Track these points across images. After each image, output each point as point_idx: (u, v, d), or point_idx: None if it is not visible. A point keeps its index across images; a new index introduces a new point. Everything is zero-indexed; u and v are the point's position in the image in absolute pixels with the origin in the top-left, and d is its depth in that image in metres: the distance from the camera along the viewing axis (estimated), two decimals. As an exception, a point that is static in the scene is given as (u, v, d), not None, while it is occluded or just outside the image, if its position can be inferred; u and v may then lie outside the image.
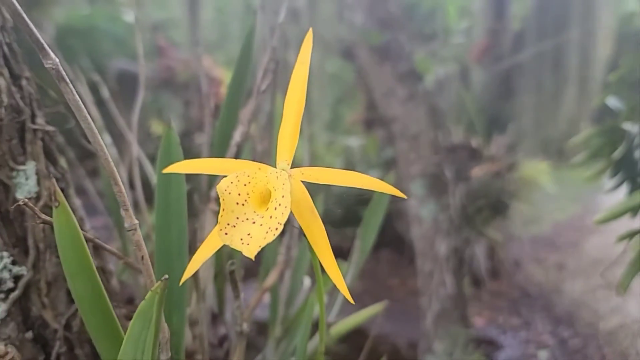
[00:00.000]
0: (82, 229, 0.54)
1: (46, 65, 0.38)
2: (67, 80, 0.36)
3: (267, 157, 1.26)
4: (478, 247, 6.59)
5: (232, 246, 0.29)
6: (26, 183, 0.44)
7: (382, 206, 0.77)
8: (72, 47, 10.80)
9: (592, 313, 5.28)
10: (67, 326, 0.50)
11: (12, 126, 0.43)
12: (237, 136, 0.84)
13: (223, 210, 0.31)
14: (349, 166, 7.49)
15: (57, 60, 0.37)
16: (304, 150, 1.36)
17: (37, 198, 0.45)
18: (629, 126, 1.40)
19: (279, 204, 0.31)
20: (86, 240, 0.52)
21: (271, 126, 1.27)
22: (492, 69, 5.55)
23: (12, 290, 0.46)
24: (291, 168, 0.42)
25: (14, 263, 0.45)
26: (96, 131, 0.38)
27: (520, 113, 5.51)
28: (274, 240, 0.35)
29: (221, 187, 0.32)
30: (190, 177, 0.57)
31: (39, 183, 0.45)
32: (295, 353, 0.56)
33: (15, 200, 0.44)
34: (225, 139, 0.80)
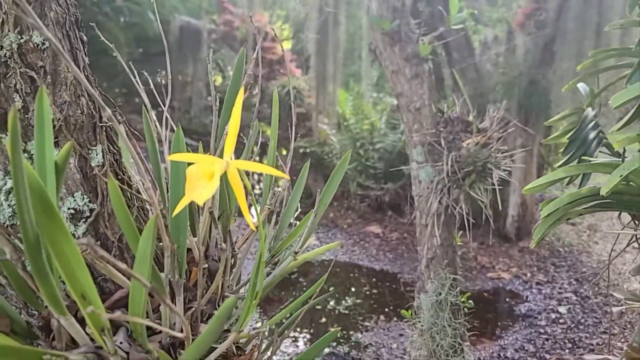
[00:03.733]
0: (129, 184, 0.90)
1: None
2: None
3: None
4: (511, 207, 6.71)
5: (192, 199, 0.61)
6: (96, 157, 0.78)
7: (342, 169, 1.08)
8: (139, 2, 11.18)
9: (617, 274, 5.42)
10: (120, 240, 0.85)
11: (89, 125, 0.77)
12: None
13: (189, 181, 0.63)
14: (389, 124, 7.65)
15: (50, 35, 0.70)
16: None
17: (102, 165, 0.79)
18: (588, 110, 1.63)
19: (214, 179, 0.63)
20: (129, 186, 0.88)
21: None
22: (535, 34, 5.59)
23: (88, 217, 0.80)
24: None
25: (90, 202, 0.79)
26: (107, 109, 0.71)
27: (560, 79, 5.55)
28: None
29: (189, 169, 0.64)
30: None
31: (103, 157, 0.79)
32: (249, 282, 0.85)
33: (91, 167, 0.78)
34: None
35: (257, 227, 0.78)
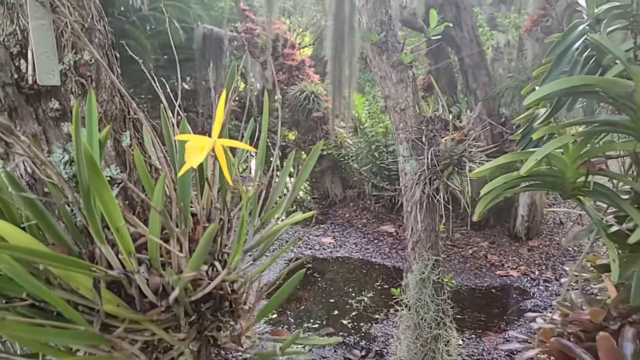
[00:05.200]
0: (149, 161, 1.20)
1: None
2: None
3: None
4: (521, 208, 6.90)
5: (190, 164, 0.90)
6: (126, 140, 1.09)
7: (314, 157, 1.37)
8: (164, 11, 11.59)
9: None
10: (142, 201, 1.15)
11: (121, 116, 1.07)
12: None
13: (187, 152, 0.93)
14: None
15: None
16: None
17: (130, 146, 1.10)
18: (540, 110, 1.89)
19: (204, 151, 0.92)
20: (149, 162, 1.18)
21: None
22: (541, 40, 5.80)
23: (120, 183, 1.11)
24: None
25: (121, 172, 1.09)
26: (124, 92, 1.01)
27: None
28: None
29: (187, 144, 0.93)
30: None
31: (131, 140, 1.10)
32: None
33: (122, 147, 1.09)
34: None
35: (237, 188, 1.07)
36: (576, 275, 1.83)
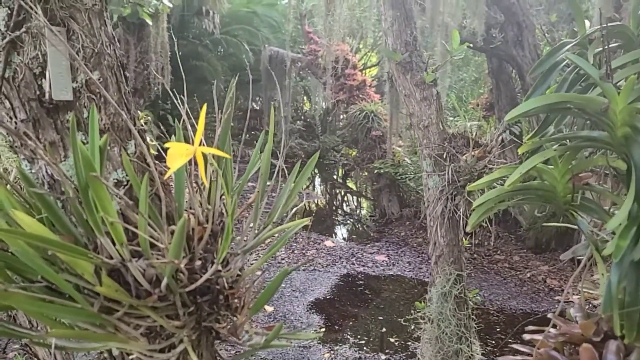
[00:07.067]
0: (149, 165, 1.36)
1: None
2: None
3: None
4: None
5: (171, 168, 1.04)
6: (131, 147, 1.25)
7: (312, 164, 1.49)
8: (235, 34, 12.07)
9: None
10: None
11: (126, 127, 1.24)
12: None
13: (169, 157, 1.07)
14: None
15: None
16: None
17: (134, 153, 1.26)
18: (550, 128, 1.91)
19: (185, 157, 1.07)
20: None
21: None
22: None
23: (125, 185, 1.27)
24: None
25: (127, 175, 1.26)
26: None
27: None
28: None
29: (169, 151, 1.08)
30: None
31: (135, 148, 1.26)
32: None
33: (127, 154, 1.25)
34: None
35: (205, 184, 1.20)
36: (579, 292, 1.83)
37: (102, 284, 1.10)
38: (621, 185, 1.50)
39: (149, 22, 7.24)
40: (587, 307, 1.77)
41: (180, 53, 10.68)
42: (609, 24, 1.44)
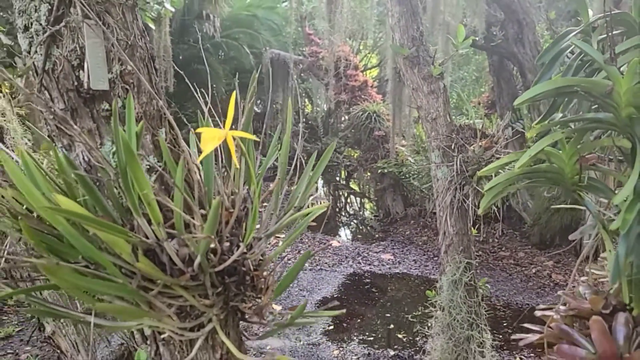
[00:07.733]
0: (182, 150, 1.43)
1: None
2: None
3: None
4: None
5: (205, 151, 1.11)
6: (162, 135, 1.32)
7: (327, 156, 1.56)
8: (236, 37, 12.10)
9: None
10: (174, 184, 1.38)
11: (158, 116, 1.31)
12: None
13: (202, 141, 1.14)
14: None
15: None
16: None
17: (166, 139, 1.33)
18: (557, 114, 1.98)
19: (217, 140, 1.13)
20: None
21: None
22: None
23: (157, 170, 1.34)
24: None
25: (158, 161, 1.33)
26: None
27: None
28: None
29: (202, 135, 1.15)
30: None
31: (166, 135, 1.33)
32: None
33: (158, 141, 1.32)
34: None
35: (238, 166, 1.27)
36: (587, 273, 1.90)
37: (139, 262, 1.17)
38: (626, 166, 1.57)
39: (152, 26, 7.33)
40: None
41: (181, 57, 10.75)
42: (612, 12, 1.52)
